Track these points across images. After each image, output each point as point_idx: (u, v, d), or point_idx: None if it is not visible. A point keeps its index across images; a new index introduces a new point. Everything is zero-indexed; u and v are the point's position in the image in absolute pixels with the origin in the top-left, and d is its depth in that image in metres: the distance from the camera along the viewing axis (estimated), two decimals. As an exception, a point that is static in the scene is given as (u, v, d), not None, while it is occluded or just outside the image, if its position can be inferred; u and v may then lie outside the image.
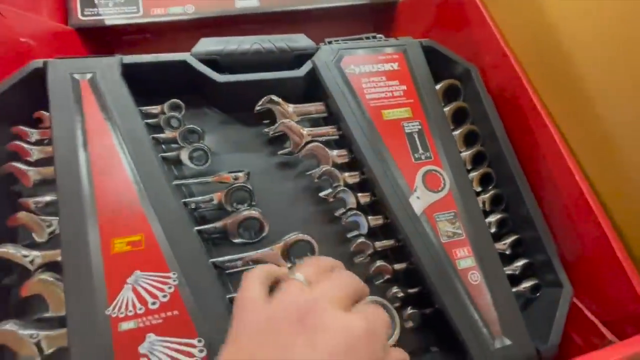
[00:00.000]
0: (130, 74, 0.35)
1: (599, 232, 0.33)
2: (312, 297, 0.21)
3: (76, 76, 0.33)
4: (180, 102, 0.36)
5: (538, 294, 0.35)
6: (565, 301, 0.33)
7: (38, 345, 0.27)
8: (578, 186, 0.35)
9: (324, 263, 0.24)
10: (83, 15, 0.48)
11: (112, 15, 0.49)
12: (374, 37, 0.43)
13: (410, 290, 0.33)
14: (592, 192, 0.35)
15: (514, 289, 0.34)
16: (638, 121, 0.32)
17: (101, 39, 0.51)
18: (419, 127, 0.37)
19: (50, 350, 0.26)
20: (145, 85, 0.36)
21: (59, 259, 0.28)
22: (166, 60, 0.36)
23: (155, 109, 0.36)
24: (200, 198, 0.33)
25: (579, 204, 0.35)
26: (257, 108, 0.37)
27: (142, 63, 0.35)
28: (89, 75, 0.33)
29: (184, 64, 0.36)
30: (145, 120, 0.35)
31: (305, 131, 0.37)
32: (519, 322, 0.31)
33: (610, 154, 0.34)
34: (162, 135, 0.35)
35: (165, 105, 0.36)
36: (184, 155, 0.34)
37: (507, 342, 0.30)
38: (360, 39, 0.43)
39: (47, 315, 0.28)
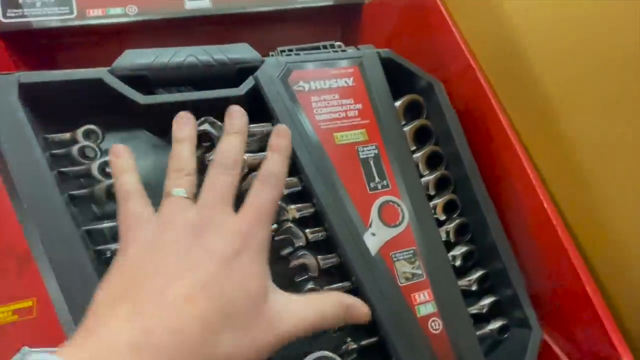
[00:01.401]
0: (33, 95, 0.29)
1: (568, 264, 0.30)
2: (198, 213, 0.23)
3: (-42, 100, 0.27)
4: (97, 129, 0.31)
5: (506, 335, 0.32)
6: (534, 346, 0.30)
7: None
8: (545, 211, 0.32)
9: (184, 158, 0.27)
10: (5, 17, 0.42)
11: (40, 17, 0.43)
12: (332, 47, 0.39)
13: (364, 342, 0.29)
14: (560, 220, 0.32)
15: (480, 332, 0.31)
16: (604, 143, 0.29)
17: (33, 45, 0.45)
18: (376, 151, 0.33)
19: None
20: (55, 107, 0.30)
21: None
22: (78, 78, 0.30)
23: (64, 137, 0.30)
24: (118, 244, 0.28)
25: (545, 230, 0.32)
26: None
27: (48, 82, 0.30)
28: (-25, 98, 0.27)
29: (100, 82, 0.30)
30: (51, 151, 0.29)
31: (246, 157, 0.32)
32: (484, 375, 0.28)
33: (578, 176, 0.31)
34: (73, 169, 0.29)
35: (79, 132, 0.30)
36: (99, 192, 0.29)
37: (472, 398, 0.27)
38: (317, 47, 0.38)
39: None
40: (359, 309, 0.25)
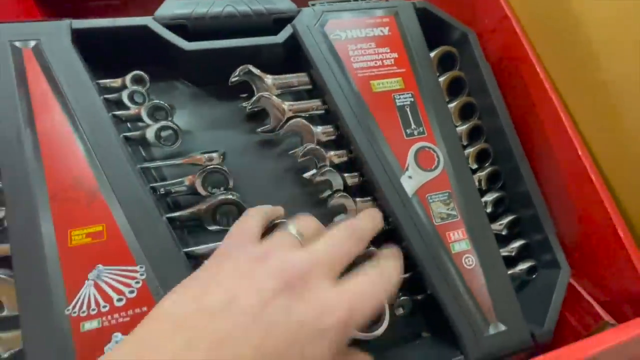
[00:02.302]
0: (83, 42, 0.30)
1: (601, 209, 0.31)
2: (306, 260, 0.19)
3: (17, 44, 0.28)
4: (144, 74, 0.32)
5: (534, 276, 0.34)
6: (562, 284, 0.32)
7: (-7, 348, 0.24)
8: (580, 161, 0.32)
9: (316, 222, 0.24)
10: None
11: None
12: (363, -1, 0.39)
13: (401, 276, 0.31)
14: (595, 167, 0.32)
15: (509, 271, 0.33)
16: None
17: (59, 6, 0.46)
18: (412, 99, 0.34)
19: (6, 355, 0.24)
20: (103, 55, 0.31)
21: (9, 253, 0.25)
22: (125, 25, 0.31)
23: (115, 83, 0.32)
24: (170, 182, 0.30)
25: (578, 178, 0.33)
26: (232, 80, 0.33)
27: (97, 29, 0.31)
28: (32, 43, 0.29)
29: (145, 29, 0.31)
30: (104, 96, 0.30)
31: (286, 106, 0.33)
32: (515, 307, 0.29)
33: (617, 127, 0.31)
34: (124, 113, 0.31)
35: (127, 78, 0.32)
36: (150, 135, 0.30)
37: (502, 327, 0.29)
38: (348, 0, 0.38)
39: (2, 314, 0.25)
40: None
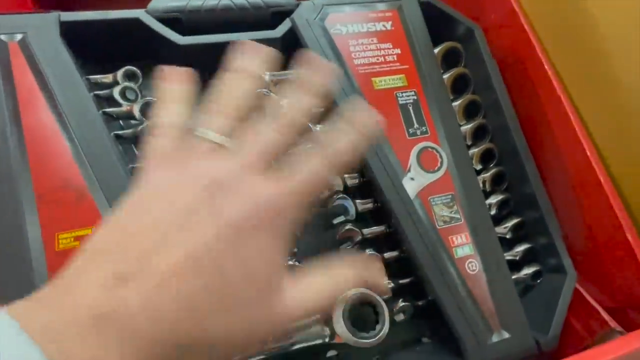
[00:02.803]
0: (72, 35, 0.29)
1: (610, 213, 0.30)
2: (225, 164, 0.18)
3: (2, 37, 0.27)
4: (137, 70, 0.31)
5: (539, 281, 0.33)
6: (568, 290, 0.31)
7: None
8: (589, 163, 0.31)
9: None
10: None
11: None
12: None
13: (402, 281, 0.30)
14: (604, 170, 0.31)
15: (513, 276, 0.32)
16: None
17: None
18: (415, 97, 0.33)
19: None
20: (93, 49, 0.30)
21: (-5, 257, 0.24)
22: (116, 18, 0.30)
23: (106, 78, 0.30)
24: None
25: (587, 180, 0.32)
26: (228, 76, 0.31)
27: (86, 22, 0.29)
28: (18, 36, 0.27)
29: (137, 23, 0.30)
30: (94, 92, 0.29)
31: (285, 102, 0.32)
32: (519, 314, 0.29)
33: (628, 129, 0.30)
34: (115, 110, 0.30)
35: (119, 74, 0.30)
36: (143, 133, 0.29)
37: (505, 335, 0.28)
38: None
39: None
40: (379, 286, 0.21)
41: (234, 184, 0.17)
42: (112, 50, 0.31)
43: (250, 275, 0.17)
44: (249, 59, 0.20)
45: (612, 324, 0.31)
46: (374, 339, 0.26)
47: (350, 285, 0.19)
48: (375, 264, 0.21)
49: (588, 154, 0.31)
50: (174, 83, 0.21)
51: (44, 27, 0.28)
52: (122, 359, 0.14)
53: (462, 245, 0.29)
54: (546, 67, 0.34)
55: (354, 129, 0.19)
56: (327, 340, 0.27)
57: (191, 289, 0.15)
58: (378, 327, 0.27)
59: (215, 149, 0.18)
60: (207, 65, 0.32)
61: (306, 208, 0.18)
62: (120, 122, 0.31)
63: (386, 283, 0.30)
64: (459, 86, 0.36)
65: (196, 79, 0.33)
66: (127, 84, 0.30)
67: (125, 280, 0.15)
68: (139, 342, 0.14)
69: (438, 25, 0.36)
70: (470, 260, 0.29)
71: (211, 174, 0.17)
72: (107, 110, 0.29)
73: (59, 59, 0.27)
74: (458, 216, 0.30)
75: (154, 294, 0.15)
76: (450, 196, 0.30)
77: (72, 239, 0.24)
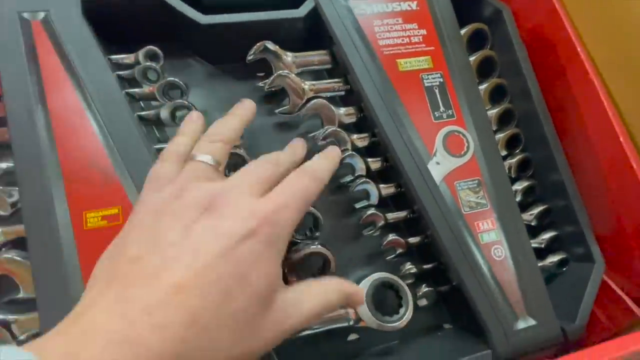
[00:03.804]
0: (94, 14, 0.28)
1: (639, 201, 0.29)
2: (221, 185, 0.20)
3: (25, 15, 0.27)
4: (159, 50, 0.30)
5: (564, 269, 0.32)
6: (596, 278, 0.30)
7: (9, 330, 0.24)
8: (623, 152, 0.30)
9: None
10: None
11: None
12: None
13: (425, 266, 0.30)
14: (636, 156, 0.30)
15: (539, 264, 0.31)
16: None
17: None
18: (441, 79, 0.32)
19: (23, 336, 0.24)
20: (115, 29, 0.30)
21: (24, 235, 0.24)
22: (137, -4, 0.29)
23: (128, 59, 0.30)
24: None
25: (618, 168, 0.31)
26: (249, 57, 0.31)
27: (108, 1, 0.29)
28: (41, 15, 0.27)
29: (159, 1, 0.29)
30: (116, 72, 0.29)
31: (307, 85, 0.31)
32: (546, 301, 0.28)
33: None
34: (137, 90, 0.29)
35: (140, 54, 0.30)
36: (165, 114, 0.29)
37: (532, 322, 0.27)
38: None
39: (19, 296, 0.25)
40: (357, 297, 0.23)
41: (229, 202, 0.19)
42: (133, 29, 0.30)
43: (250, 288, 0.18)
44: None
45: (639, 313, 0.30)
46: (397, 323, 0.26)
47: (339, 295, 0.21)
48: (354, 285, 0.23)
49: (622, 140, 0.30)
50: (193, 122, 0.25)
51: (66, 5, 0.27)
52: None
53: (489, 231, 0.29)
54: (578, 49, 0.33)
55: (326, 155, 0.25)
56: (351, 323, 0.27)
57: (194, 304, 0.16)
58: (402, 310, 0.27)
59: (208, 172, 0.21)
60: (228, 45, 0.32)
61: (295, 218, 0.20)
62: (141, 103, 0.31)
63: (409, 267, 0.30)
64: (485, 69, 0.35)
65: (210, 61, 0.33)
66: (148, 64, 0.30)
67: (133, 301, 0.16)
68: (147, 355, 0.15)
69: (465, 5, 0.35)
70: (496, 246, 0.29)
71: (204, 194, 0.19)
72: (129, 90, 0.29)
73: (82, 39, 0.27)
74: (484, 202, 0.29)
75: (160, 313, 0.16)
76: (476, 181, 0.30)
77: (100, 218, 0.24)
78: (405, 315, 0.27)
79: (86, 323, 0.16)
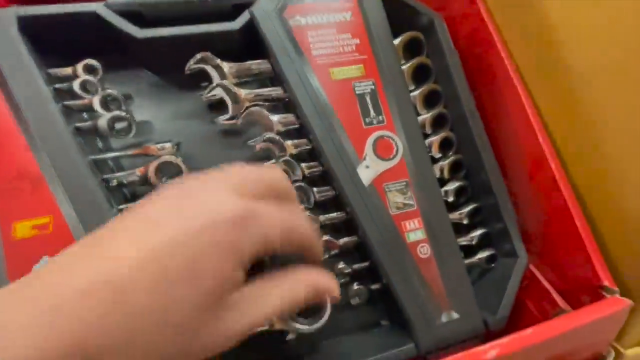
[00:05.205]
0: (31, 30, 0.29)
1: (559, 198, 0.31)
2: (203, 179, 0.19)
3: (-41, 33, 0.27)
4: (96, 63, 0.31)
5: (493, 265, 0.34)
6: (518, 272, 0.32)
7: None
8: (541, 150, 0.32)
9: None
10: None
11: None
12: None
13: (357, 266, 0.31)
14: (555, 155, 0.32)
15: (468, 260, 0.33)
16: (608, 83, 0.28)
17: None
18: (372, 87, 0.33)
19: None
20: (55, 44, 0.30)
21: (-44, 246, 0.25)
22: (73, 12, 0.30)
23: (66, 71, 0.31)
24: (122, 174, 0.30)
25: (541, 169, 0.33)
26: (187, 69, 0.32)
27: (44, 16, 0.30)
28: (-25, 32, 0.28)
29: (95, 16, 0.30)
30: (54, 85, 0.30)
31: (244, 94, 0.33)
32: (469, 295, 0.30)
33: (577, 114, 0.31)
34: (75, 103, 0.30)
35: (79, 67, 0.31)
36: (102, 125, 0.30)
37: (455, 316, 0.29)
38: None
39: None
40: (329, 290, 0.21)
41: (203, 195, 0.18)
42: (74, 44, 0.31)
43: (198, 284, 0.17)
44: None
45: (562, 304, 0.32)
46: (312, 326, 0.26)
47: (309, 290, 0.20)
48: (328, 273, 0.22)
49: (541, 142, 0.32)
50: None
51: (2, 23, 0.28)
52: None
53: (415, 230, 0.30)
54: (503, 55, 0.35)
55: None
56: (266, 327, 0.27)
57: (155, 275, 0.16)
58: (321, 313, 0.27)
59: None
60: (168, 56, 0.33)
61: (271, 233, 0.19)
62: (85, 115, 0.32)
63: (342, 267, 0.31)
64: (420, 76, 0.37)
65: (156, 72, 0.34)
66: (86, 77, 0.31)
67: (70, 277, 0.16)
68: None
69: (401, 15, 0.37)
70: (422, 244, 0.30)
71: (184, 187, 0.19)
72: (67, 103, 0.30)
73: (16, 55, 0.28)
74: (411, 202, 0.31)
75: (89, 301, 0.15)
76: (404, 183, 0.31)
77: (30, 228, 0.25)
78: (324, 316, 0.27)
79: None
